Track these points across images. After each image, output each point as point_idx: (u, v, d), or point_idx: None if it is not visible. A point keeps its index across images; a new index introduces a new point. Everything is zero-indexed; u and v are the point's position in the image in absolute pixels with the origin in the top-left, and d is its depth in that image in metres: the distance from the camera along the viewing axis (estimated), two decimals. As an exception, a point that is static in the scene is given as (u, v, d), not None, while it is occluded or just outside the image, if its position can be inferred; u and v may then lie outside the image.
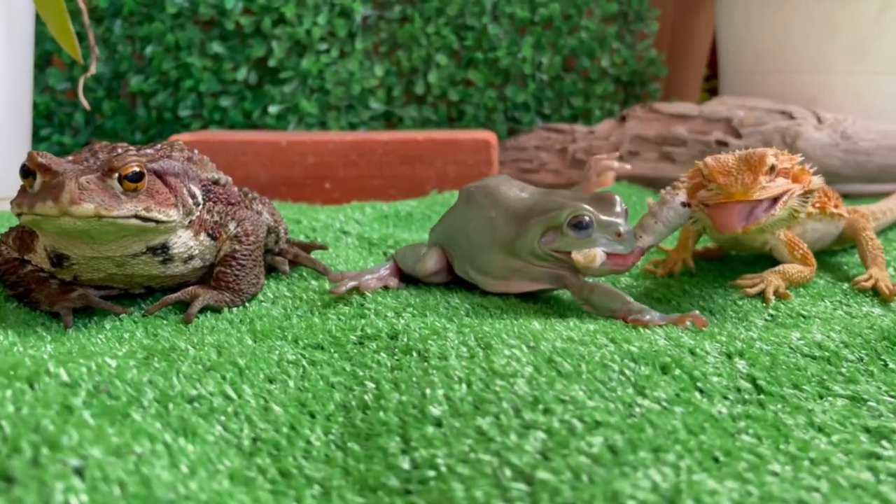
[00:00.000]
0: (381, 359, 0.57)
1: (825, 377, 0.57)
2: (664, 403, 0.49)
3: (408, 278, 0.82)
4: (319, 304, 0.76)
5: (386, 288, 0.79)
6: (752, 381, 0.55)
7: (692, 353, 0.58)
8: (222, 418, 0.46)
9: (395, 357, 0.57)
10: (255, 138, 1.41)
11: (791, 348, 0.61)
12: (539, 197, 0.75)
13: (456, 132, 1.50)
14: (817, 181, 0.76)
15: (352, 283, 0.76)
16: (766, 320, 0.74)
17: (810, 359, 0.60)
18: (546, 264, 0.72)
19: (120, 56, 1.80)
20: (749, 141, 1.44)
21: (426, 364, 0.55)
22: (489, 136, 1.44)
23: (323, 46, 1.74)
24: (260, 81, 1.79)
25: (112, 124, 1.81)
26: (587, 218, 0.68)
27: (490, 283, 0.76)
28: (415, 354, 0.57)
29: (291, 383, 0.53)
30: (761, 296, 0.77)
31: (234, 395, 0.49)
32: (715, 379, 0.54)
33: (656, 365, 0.55)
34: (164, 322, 0.71)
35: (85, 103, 1.13)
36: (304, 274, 0.87)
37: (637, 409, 0.47)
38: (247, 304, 0.76)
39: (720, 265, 0.92)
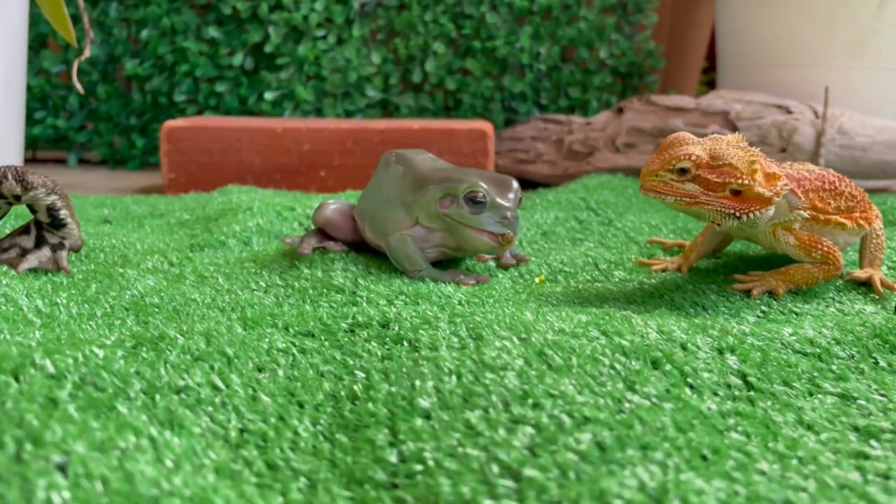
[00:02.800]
0: (372, 348, 0.57)
1: (816, 374, 0.57)
2: (654, 399, 0.49)
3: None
4: (312, 292, 0.75)
5: (324, 250, 0.86)
6: (743, 377, 0.55)
7: (683, 347, 0.58)
8: (210, 409, 0.46)
9: (386, 346, 0.57)
10: (250, 125, 1.40)
11: (783, 344, 0.61)
12: (447, 167, 0.84)
13: (452, 122, 1.50)
14: (766, 215, 0.73)
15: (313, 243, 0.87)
16: (758, 316, 0.74)
17: (801, 355, 0.60)
18: (433, 226, 0.80)
19: (115, 39, 1.78)
20: (746, 135, 1.44)
21: (417, 354, 0.55)
22: (485, 125, 1.43)
23: (320, 33, 1.73)
24: (256, 67, 1.78)
25: (106, 108, 1.80)
26: (482, 195, 0.76)
27: (374, 240, 0.84)
28: (405, 344, 0.57)
29: (281, 372, 0.53)
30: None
31: (222, 386, 0.49)
32: (705, 375, 0.54)
33: (647, 360, 0.55)
34: (157, 309, 0.71)
35: (79, 87, 1.12)
36: (297, 263, 0.86)
37: (626, 405, 0.47)
38: (239, 292, 0.76)
39: (717, 262, 0.92)
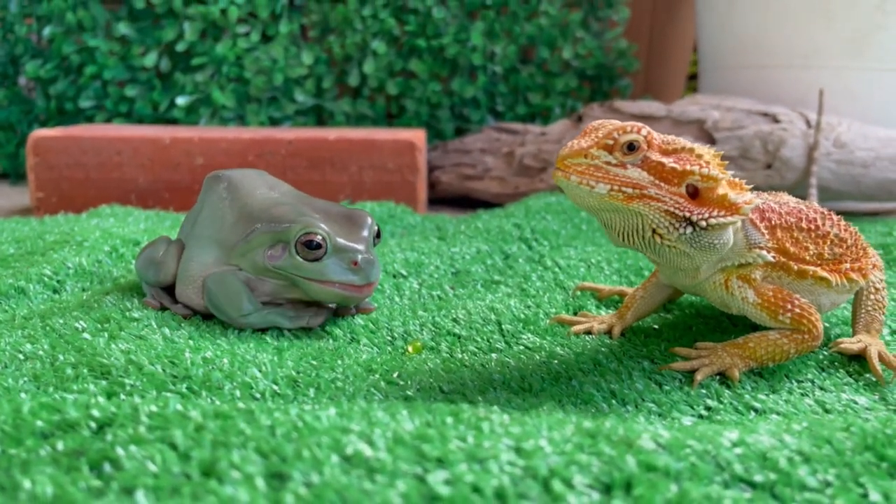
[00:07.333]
0: (40, 479, 0.35)
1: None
2: None
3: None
4: (69, 372, 0.53)
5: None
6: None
7: (545, 486, 0.36)
8: None
9: (69, 474, 0.35)
10: (132, 134, 1.18)
11: (717, 465, 0.39)
12: (285, 199, 0.66)
13: (376, 131, 1.28)
14: (727, 236, 0.53)
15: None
16: (699, 416, 0.51)
17: (743, 486, 0.38)
18: (266, 279, 0.62)
19: (15, 37, 1.58)
20: (725, 148, 1.21)
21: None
22: (415, 135, 1.21)
23: (242, 29, 1.52)
24: (173, 69, 1.57)
25: (6, 115, 1.59)
26: (320, 238, 0.60)
27: (184, 294, 0.65)
28: (96, 471, 0.36)
29: None
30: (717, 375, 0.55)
31: None
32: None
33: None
34: None
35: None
36: (87, 326, 0.64)
37: None
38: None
39: (664, 320, 0.69)
